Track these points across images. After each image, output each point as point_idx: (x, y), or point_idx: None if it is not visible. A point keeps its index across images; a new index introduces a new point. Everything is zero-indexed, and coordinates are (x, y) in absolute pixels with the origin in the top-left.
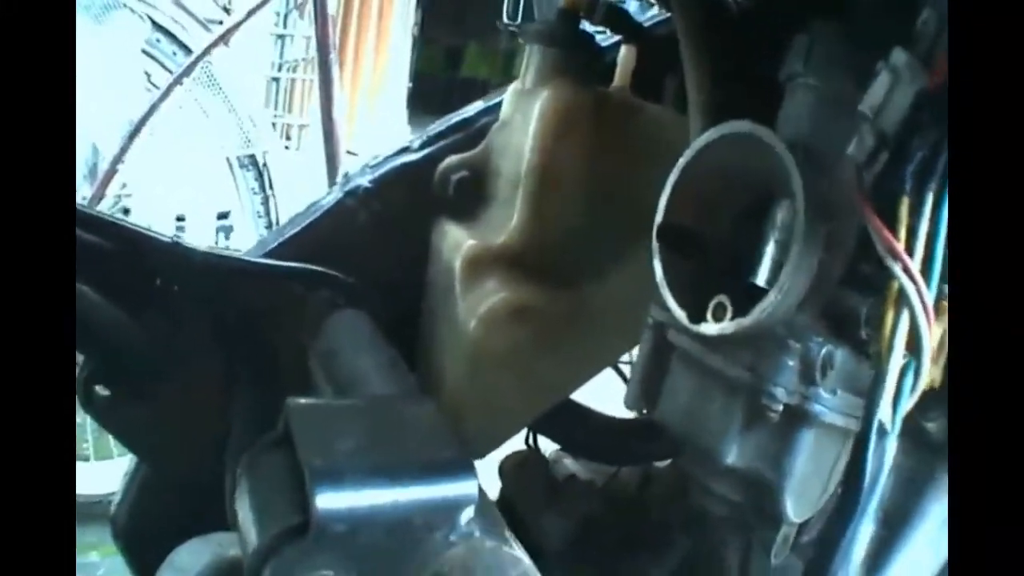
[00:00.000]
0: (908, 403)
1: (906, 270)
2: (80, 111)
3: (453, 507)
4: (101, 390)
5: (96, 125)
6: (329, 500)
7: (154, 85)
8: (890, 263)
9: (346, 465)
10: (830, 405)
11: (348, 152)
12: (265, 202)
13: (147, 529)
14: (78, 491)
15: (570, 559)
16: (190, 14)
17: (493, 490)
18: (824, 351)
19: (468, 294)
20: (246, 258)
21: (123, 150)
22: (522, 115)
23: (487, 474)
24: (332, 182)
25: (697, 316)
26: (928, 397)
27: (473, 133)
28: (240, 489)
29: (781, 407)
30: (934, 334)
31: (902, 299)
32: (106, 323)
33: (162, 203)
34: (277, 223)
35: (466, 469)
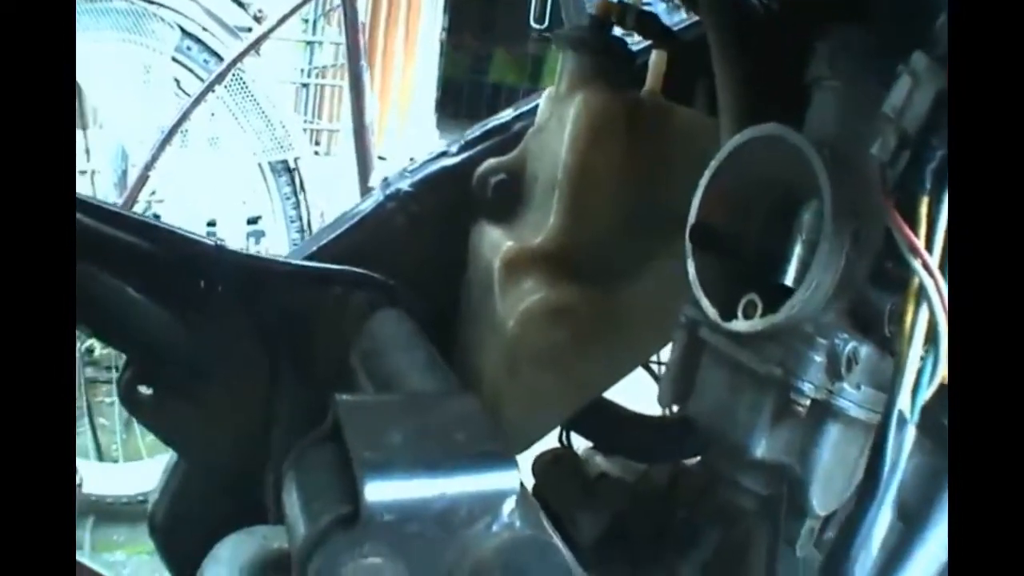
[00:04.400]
0: (927, 393)
1: (925, 266)
2: (111, 118)
3: (496, 498)
4: (144, 390)
5: (126, 131)
6: (378, 491)
7: (184, 92)
8: (911, 260)
9: (394, 457)
10: (855, 399)
11: (379, 157)
12: (297, 207)
13: (185, 524)
14: (108, 491)
15: (600, 554)
16: (220, 22)
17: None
18: (849, 347)
19: (507, 294)
20: (288, 260)
21: (154, 157)
22: (557, 120)
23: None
24: (364, 186)
25: (728, 314)
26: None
27: (510, 137)
28: (288, 482)
29: (808, 402)
30: None
31: (921, 294)
32: (151, 324)
33: (193, 209)
34: (309, 227)
35: (508, 462)
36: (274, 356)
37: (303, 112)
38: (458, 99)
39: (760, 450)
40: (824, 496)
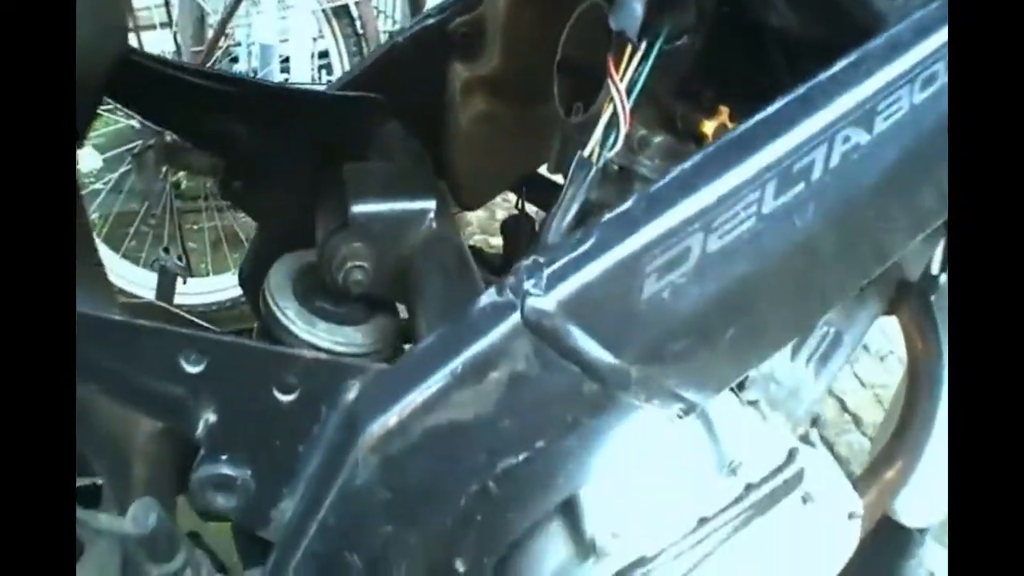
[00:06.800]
0: (610, 151)
1: (614, 83)
2: None
3: (423, 213)
4: (236, 183)
5: None
6: (359, 207)
7: None
8: (608, 81)
9: (371, 191)
10: (648, 167)
11: None
12: (357, 43)
13: (262, 272)
14: (197, 301)
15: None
16: None
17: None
18: (642, 134)
19: (463, 105)
20: (326, 91)
21: (230, 14)
22: None
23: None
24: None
25: (569, 112)
26: None
27: (473, 2)
28: (318, 219)
29: (617, 167)
30: None
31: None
32: (236, 139)
33: (268, 50)
34: None
35: (430, 196)
36: (314, 157)
37: None
38: None
39: (595, 194)
40: None
